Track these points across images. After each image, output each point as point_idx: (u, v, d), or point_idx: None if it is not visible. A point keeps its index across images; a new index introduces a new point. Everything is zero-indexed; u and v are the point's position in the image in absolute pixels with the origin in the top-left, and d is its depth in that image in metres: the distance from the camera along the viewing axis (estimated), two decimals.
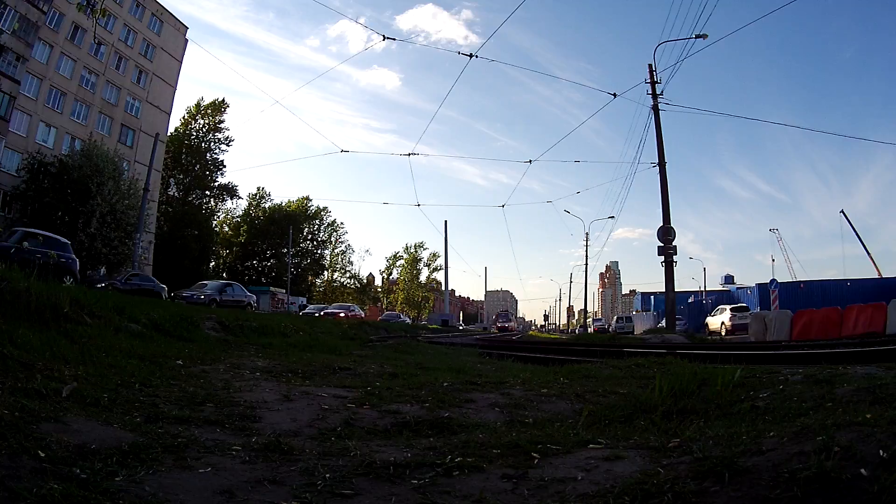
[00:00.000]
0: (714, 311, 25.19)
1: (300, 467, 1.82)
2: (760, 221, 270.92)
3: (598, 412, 2.81)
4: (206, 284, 22.36)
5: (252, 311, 19.51)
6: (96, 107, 38.82)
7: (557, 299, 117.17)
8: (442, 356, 8.30)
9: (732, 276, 66.58)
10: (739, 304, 25.26)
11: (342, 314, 27.66)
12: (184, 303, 16.39)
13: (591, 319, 66.15)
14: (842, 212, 62.79)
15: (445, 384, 3.81)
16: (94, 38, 33.70)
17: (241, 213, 62.45)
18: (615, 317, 57.29)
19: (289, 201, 65.57)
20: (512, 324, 62.35)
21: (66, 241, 15.25)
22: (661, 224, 20.84)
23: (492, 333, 36.86)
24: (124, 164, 37.39)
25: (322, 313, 27.58)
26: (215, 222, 58.64)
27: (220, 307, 17.44)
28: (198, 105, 55.63)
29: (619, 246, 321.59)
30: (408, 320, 41.88)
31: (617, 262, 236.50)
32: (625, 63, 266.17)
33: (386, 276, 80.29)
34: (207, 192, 56.74)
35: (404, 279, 77.54)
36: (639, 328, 43.99)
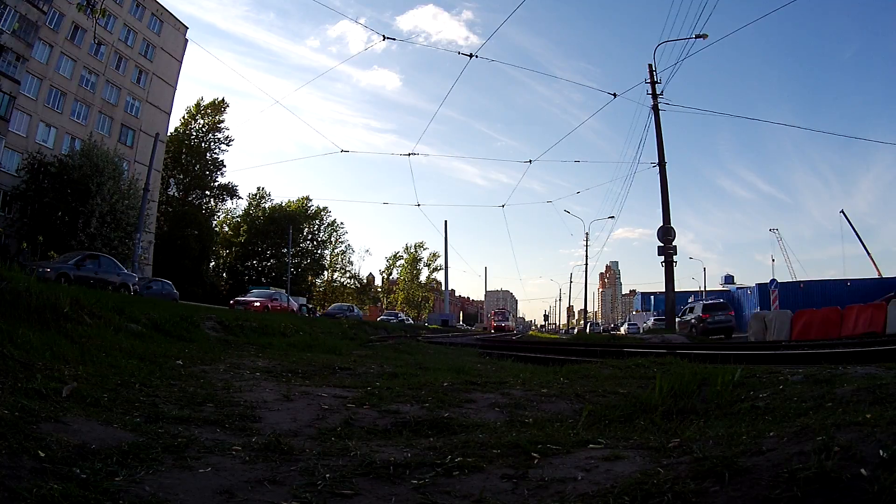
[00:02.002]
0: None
1: (300, 467, 1.82)
2: (760, 221, 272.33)
3: (598, 412, 2.81)
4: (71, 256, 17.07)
5: (132, 296, 14.19)
6: (96, 107, 38.84)
7: (557, 299, 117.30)
8: (442, 356, 8.30)
9: (732, 276, 66.87)
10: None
11: (257, 303, 21.95)
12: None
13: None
14: (842, 212, 62.87)
15: (445, 384, 3.81)
16: (94, 38, 33.70)
17: (241, 213, 62.58)
18: (588, 322, 59.05)
19: (289, 201, 65.73)
20: (509, 323, 58.43)
21: None
22: (661, 224, 20.88)
23: (490, 333, 36.58)
24: (124, 164, 37.42)
25: (232, 301, 22.63)
26: (215, 222, 58.73)
27: (77, 283, 12.75)
28: (198, 105, 55.72)
29: (619, 246, 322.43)
30: (360, 313, 34.75)
31: (617, 262, 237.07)
32: (625, 63, 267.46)
33: (386, 276, 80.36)
34: (207, 192, 56.79)
35: (404, 279, 77.57)
36: (623, 329, 47.37)
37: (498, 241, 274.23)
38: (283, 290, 28.08)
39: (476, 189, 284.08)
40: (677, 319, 23.12)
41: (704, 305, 23.19)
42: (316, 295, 62.67)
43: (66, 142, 35.98)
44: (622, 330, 48.07)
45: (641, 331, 37.42)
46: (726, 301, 24.87)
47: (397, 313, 45.63)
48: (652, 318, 38.88)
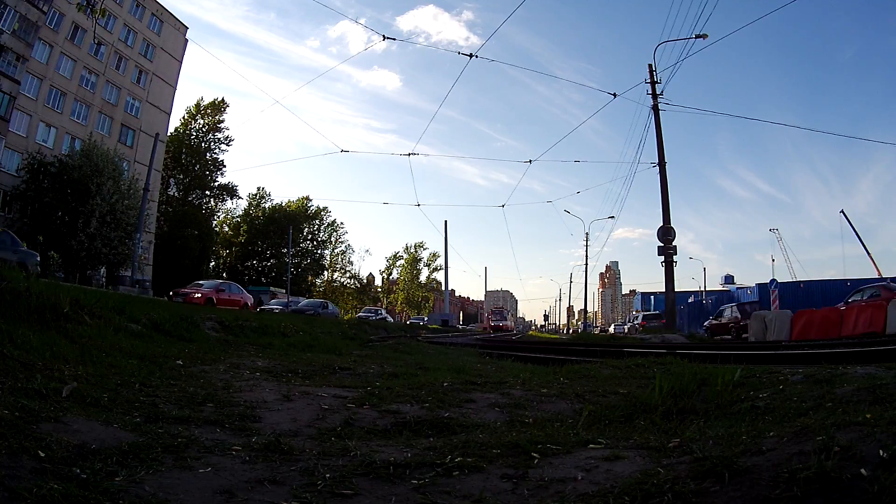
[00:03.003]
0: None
1: (300, 467, 1.82)
2: (760, 221, 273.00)
3: (598, 412, 2.81)
4: None
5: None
6: (96, 107, 38.84)
7: (557, 299, 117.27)
8: (442, 356, 8.29)
9: (732, 276, 66.96)
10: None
11: (198, 295, 18.26)
12: None
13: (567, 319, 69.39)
14: (842, 212, 62.80)
15: (445, 384, 3.81)
16: (94, 38, 33.71)
17: (241, 213, 62.50)
18: (583, 323, 61.07)
19: (289, 201, 65.61)
20: (507, 322, 53.92)
21: None
22: (661, 224, 20.86)
23: (489, 334, 36.06)
24: (124, 164, 37.40)
25: (171, 292, 19.53)
26: (215, 222, 58.64)
27: None
28: (198, 105, 55.63)
29: (619, 246, 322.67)
30: (336, 310, 30.10)
31: (617, 262, 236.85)
32: (625, 63, 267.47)
33: (386, 276, 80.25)
34: (207, 192, 56.72)
35: (404, 279, 77.48)
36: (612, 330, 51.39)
37: (498, 241, 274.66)
38: (235, 283, 23.13)
39: (476, 189, 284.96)
40: (628, 325, 35.36)
41: (644, 315, 37.68)
42: (316, 295, 62.63)
43: (66, 142, 35.97)
44: (610, 330, 54.09)
45: (626, 331, 42.50)
46: (661, 313, 37.72)
47: (377, 310, 40.06)
48: (628, 325, 45.62)
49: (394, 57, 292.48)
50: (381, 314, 36.96)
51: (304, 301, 31.55)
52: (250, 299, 22.28)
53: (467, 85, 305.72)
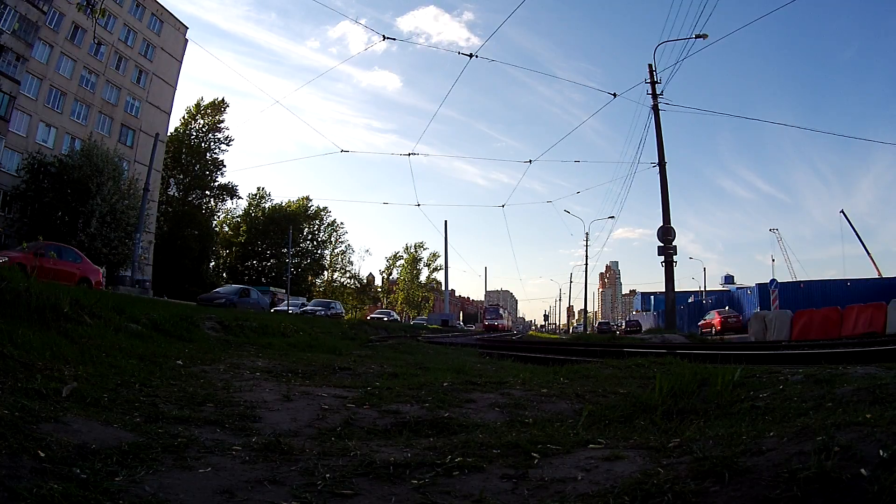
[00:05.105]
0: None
1: (300, 467, 1.82)
2: (760, 221, 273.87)
3: (598, 412, 2.81)
4: None
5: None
6: (96, 107, 38.84)
7: (557, 299, 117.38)
8: (442, 356, 8.29)
9: (732, 276, 67.25)
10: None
11: (3, 259, 11.87)
12: None
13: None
14: (842, 212, 62.98)
15: (445, 384, 3.81)
16: (94, 38, 33.71)
17: (241, 213, 62.52)
18: (575, 324, 66.33)
19: (289, 201, 65.63)
20: (504, 321, 50.63)
21: None
22: (661, 224, 20.87)
23: (489, 334, 35.27)
24: (124, 164, 37.42)
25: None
26: (215, 222, 58.69)
27: None
28: (198, 105, 55.68)
29: (619, 246, 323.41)
30: (265, 301, 23.77)
31: (617, 262, 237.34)
32: (625, 63, 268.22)
33: (386, 276, 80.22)
34: (207, 192, 56.75)
35: (404, 279, 77.44)
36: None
37: (498, 241, 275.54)
38: (71, 248, 16.78)
39: (476, 189, 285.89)
40: (591, 329, 53.76)
41: (600, 323, 59.37)
42: (316, 295, 62.60)
43: (66, 142, 35.98)
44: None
45: (588, 332, 51.92)
46: (609, 321, 60.40)
47: (331, 303, 33.03)
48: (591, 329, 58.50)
49: (394, 57, 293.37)
50: (336, 309, 30.81)
51: (221, 288, 25.55)
52: (96, 273, 16.09)
53: (467, 85, 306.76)
